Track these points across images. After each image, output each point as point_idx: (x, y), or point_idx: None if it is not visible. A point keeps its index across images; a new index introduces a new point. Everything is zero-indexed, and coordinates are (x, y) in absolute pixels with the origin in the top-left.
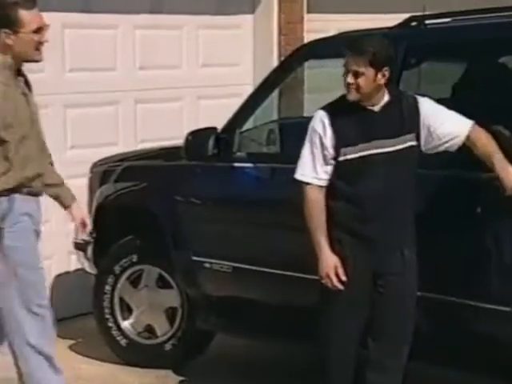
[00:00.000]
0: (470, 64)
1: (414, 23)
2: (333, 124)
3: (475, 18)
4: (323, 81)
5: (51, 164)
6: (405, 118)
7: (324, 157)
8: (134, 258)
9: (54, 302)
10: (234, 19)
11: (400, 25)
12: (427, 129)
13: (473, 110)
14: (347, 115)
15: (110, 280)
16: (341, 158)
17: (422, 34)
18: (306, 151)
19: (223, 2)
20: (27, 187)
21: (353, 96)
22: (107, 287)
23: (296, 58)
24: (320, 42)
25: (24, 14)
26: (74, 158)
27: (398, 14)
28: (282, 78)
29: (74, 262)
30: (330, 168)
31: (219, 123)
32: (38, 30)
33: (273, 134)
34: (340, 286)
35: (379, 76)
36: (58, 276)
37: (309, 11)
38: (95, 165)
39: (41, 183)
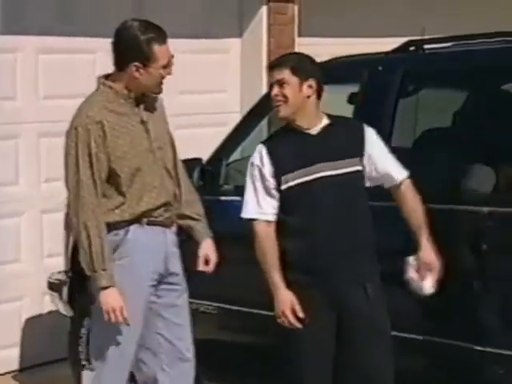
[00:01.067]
0: (472, 92)
1: (411, 48)
2: (270, 153)
3: (478, 42)
4: None
5: (191, 192)
6: (348, 142)
7: (266, 189)
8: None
9: (25, 348)
10: (221, 43)
11: (397, 49)
12: (368, 158)
13: (475, 141)
14: (284, 142)
15: (86, 322)
16: (283, 187)
17: (420, 60)
18: (247, 188)
19: (209, 24)
20: (149, 217)
21: (283, 111)
22: (83, 330)
23: None
24: None
25: (157, 49)
26: (49, 190)
27: (394, 38)
28: (271, 105)
29: (48, 303)
30: (275, 202)
31: (204, 154)
32: (167, 65)
33: None
34: (298, 324)
35: (305, 86)
36: (30, 319)
37: (300, 35)
38: None
39: (169, 213)
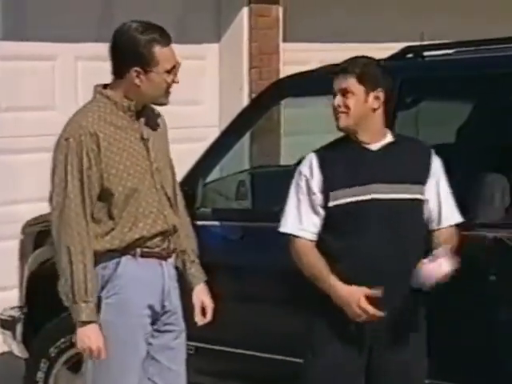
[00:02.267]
0: (478, 103)
1: (410, 55)
2: (322, 165)
3: (482, 49)
4: (303, 122)
5: (188, 225)
6: (412, 165)
7: (311, 203)
8: (74, 337)
9: None
10: (196, 48)
11: (394, 56)
12: (428, 189)
13: (483, 159)
14: (339, 155)
15: (44, 365)
16: (330, 204)
17: (419, 68)
18: (290, 199)
19: (182, 27)
20: (143, 247)
21: (343, 122)
22: (40, 374)
23: (271, 95)
24: (299, 77)
25: (158, 52)
26: (2, 216)
27: (390, 44)
28: (253, 119)
29: (0, 343)
30: (318, 220)
31: (179, 173)
32: (171, 70)
33: (243, 187)
34: (380, 313)
35: (371, 97)
36: None
37: (285, 39)
38: (28, 224)
39: (167, 244)
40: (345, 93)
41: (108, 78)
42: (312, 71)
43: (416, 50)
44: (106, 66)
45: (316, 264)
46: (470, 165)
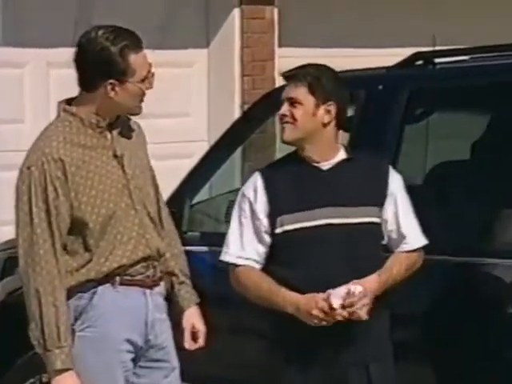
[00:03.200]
0: (495, 116)
1: (419, 62)
2: (267, 186)
3: (502, 55)
4: None
5: (177, 244)
6: (366, 185)
7: (255, 229)
8: (45, 377)
9: None
10: (182, 55)
11: (402, 63)
12: (385, 210)
13: (501, 177)
14: (286, 175)
15: None
16: (277, 231)
17: (430, 77)
18: (232, 223)
19: (166, 31)
20: (123, 275)
21: (288, 134)
22: None
23: (265, 106)
24: None
25: (133, 60)
26: None
27: (398, 49)
28: (246, 132)
29: None
30: (262, 248)
31: (164, 192)
32: (146, 77)
33: None
34: (344, 312)
35: (321, 110)
36: None
37: (281, 44)
38: None
39: (151, 271)
40: (293, 102)
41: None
42: None
43: (427, 56)
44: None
45: (262, 282)
46: (487, 183)
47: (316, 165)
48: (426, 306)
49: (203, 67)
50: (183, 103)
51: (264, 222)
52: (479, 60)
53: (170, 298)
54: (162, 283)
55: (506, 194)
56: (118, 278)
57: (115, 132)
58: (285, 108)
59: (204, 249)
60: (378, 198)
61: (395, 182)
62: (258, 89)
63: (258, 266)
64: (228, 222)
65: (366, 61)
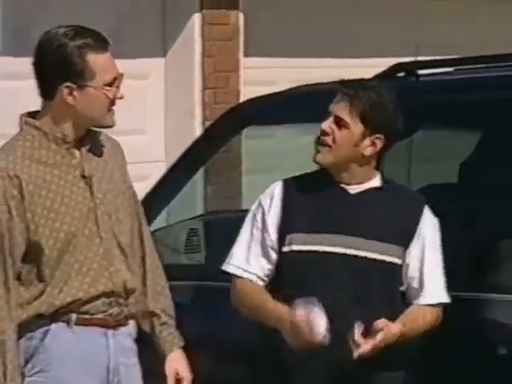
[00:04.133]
0: (485, 134)
1: (401, 73)
2: (284, 197)
3: (490, 67)
4: (269, 157)
5: (160, 279)
6: (395, 220)
7: (263, 242)
8: None
9: None
10: (136, 65)
11: (381, 75)
12: (410, 253)
13: (487, 199)
14: (309, 191)
15: None
16: (285, 249)
17: (412, 90)
18: (243, 233)
19: (118, 39)
20: (79, 313)
21: (321, 157)
22: None
23: (229, 123)
24: (264, 101)
25: (93, 59)
26: None
27: (378, 59)
28: (208, 152)
29: None
30: (268, 265)
31: None
32: (112, 83)
33: (195, 237)
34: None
35: (366, 141)
36: None
37: (247, 53)
38: None
39: (115, 308)
40: (339, 122)
41: (28, 99)
42: (280, 93)
43: (409, 67)
44: (25, 86)
45: (255, 293)
46: (477, 208)
47: (344, 186)
48: None
49: (160, 79)
50: (137, 119)
51: (273, 237)
52: (466, 72)
53: (151, 341)
54: (132, 323)
55: (498, 219)
56: (73, 316)
57: (85, 149)
58: (328, 124)
59: None
60: (403, 236)
61: (428, 224)
62: (221, 103)
63: (261, 283)
64: (188, 253)
65: (343, 72)
